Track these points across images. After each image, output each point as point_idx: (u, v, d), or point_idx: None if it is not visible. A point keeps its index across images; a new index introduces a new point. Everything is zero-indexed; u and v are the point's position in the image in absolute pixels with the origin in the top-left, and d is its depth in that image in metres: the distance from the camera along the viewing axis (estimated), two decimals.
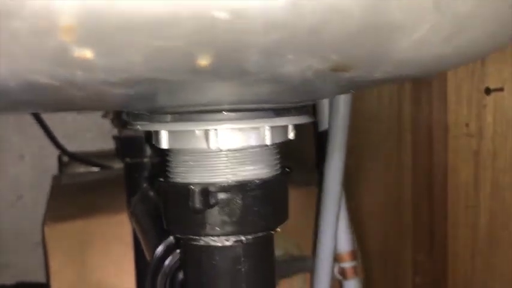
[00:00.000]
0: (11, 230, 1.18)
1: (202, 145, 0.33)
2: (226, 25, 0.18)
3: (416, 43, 0.21)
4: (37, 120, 1.14)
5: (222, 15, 0.17)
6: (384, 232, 0.95)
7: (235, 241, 0.34)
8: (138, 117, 0.33)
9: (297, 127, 0.36)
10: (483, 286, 0.83)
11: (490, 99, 0.81)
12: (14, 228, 1.18)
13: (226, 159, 0.33)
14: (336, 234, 0.68)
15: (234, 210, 0.33)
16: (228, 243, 0.34)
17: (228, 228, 0.34)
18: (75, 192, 1.01)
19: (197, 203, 0.32)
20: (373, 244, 0.94)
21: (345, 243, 0.71)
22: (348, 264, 0.71)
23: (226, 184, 0.33)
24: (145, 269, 0.76)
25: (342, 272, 0.71)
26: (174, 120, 0.32)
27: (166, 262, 0.44)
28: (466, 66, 0.82)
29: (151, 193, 0.73)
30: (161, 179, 0.36)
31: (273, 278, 0.37)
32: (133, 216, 0.73)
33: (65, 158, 1.19)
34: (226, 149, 0.33)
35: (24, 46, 0.17)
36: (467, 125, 0.86)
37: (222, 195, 0.33)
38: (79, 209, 0.91)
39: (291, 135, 0.36)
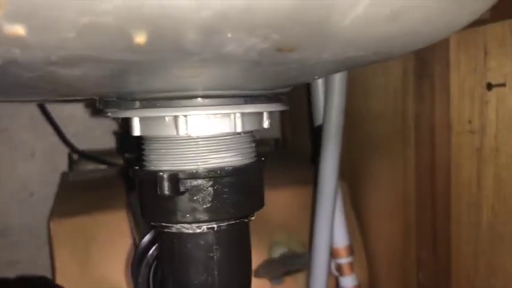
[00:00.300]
0: (22, 227, 1.20)
1: (172, 132, 0.33)
2: (155, 1, 0.18)
3: (356, 22, 0.21)
4: (47, 118, 1.17)
5: None
6: (389, 230, 0.94)
7: (207, 228, 0.34)
8: (109, 104, 0.34)
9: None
10: (486, 283, 0.82)
11: (492, 95, 0.80)
12: (24, 225, 1.20)
13: (196, 146, 0.34)
14: (331, 230, 0.68)
15: (204, 198, 0.34)
16: (199, 231, 0.34)
17: (199, 216, 0.34)
18: (81, 189, 1.03)
19: (165, 190, 0.32)
20: (378, 242, 0.93)
21: (341, 238, 0.71)
22: (344, 260, 0.71)
23: (196, 171, 0.33)
24: None
25: (339, 268, 0.71)
26: (143, 107, 0.33)
27: (150, 252, 0.44)
28: (469, 61, 0.81)
29: None
30: (136, 167, 0.37)
31: (248, 266, 0.37)
32: (130, 209, 0.74)
33: (75, 156, 1.21)
34: (196, 136, 0.34)
35: None
36: (470, 121, 0.85)
37: (192, 182, 0.33)
38: (85, 205, 0.92)
39: (266, 123, 0.36)
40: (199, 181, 0.33)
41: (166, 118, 0.33)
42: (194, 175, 0.33)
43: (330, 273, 0.70)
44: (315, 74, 0.29)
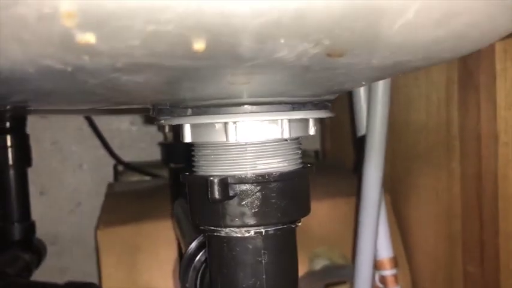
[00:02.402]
0: (70, 236, 1.24)
1: (222, 138, 0.34)
2: (214, 9, 0.19)
3: (406, 27, 0.21)
4: (95, 131, 1.21)
5: None
6: (433, 243, 0.92)
7: (255, 232, 0.35)
8: (162, 112, 0.35)
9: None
10: None
11: None
12: (72, 234, 1.24)
13: (244, 152, 0.35)
14: (375, 241, 0.68)
15: (252, 202, 0.34)
16: (247, 235, 0.35)
17: (248, 220, 0.35)
18: (127, 199, 1.06)
19: (216, 194, 0.33)
20: (422, 255, 0.91)
21: (385, 250, 0.70)
22: (389, 272, 0.70)
23: (244, 176, 0.34)
24: None
25: (383, 280, 0.70)
26: (195, 114, 0.34)
27: (197, 257, 0.46)
28: None
29: None
30: (186, 173, 0.38)
31: (294, 272, 0.38)
32: (174, 217, 0.76)
33: (120, 167, 1.24)
34: (245, 142, 0.35)
35: (33, 32, 0.19)
36: None
37: (240, 187, 0.34)
38: (130, 215, 0.95)
39: (312, 130, 0.37)
40: (248, 186, 0.34)
41: (216, 125, 0.34)
42: (243, 180, 0.34)
43: (373, 285, 0.69)
44: (362, 80, 0.29)
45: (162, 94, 0.28)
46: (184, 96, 0.30)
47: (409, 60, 0.24)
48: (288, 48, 0.22)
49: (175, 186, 0.80)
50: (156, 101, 0.31)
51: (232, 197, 0.34)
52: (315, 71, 0.25)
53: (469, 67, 0.89)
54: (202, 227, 0.37)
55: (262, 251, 0.35)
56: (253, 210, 0.35)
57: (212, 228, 0.36)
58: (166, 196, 0.93)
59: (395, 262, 0.71)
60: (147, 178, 1.22)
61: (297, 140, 0.37)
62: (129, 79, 0.24)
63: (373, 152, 0.65)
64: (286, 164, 0.36)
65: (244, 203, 0.34)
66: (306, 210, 0.37)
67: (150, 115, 0.37)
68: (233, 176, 0.34)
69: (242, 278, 0.36)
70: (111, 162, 1.24)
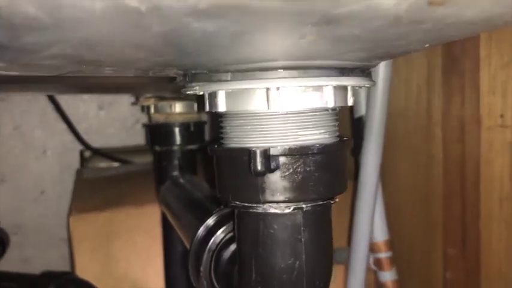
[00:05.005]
0: (34, 225, 1.17)
1: (262, 106, 0.31)
2: None
3: None
4: (60, 114, 1.14)
5: None
6: (413, 227, 0.93)
7: (295, 208, 0.33)
8: (196, 77, 0.32)
9: None
10: None
11: None
12: (36, 223, 1.18)
13: (286, 121, 0.32)
14: (371, 224, 0.67)
15: (295, 175, 0.32)
16: (288, 211, 0.32)
17: (289, 195, 0.32)
18: (100, 186, 1.01)
19: (258, 166, 0.30)
20: (401, 239, 0.91)
21: (380, 232, 0.69)
22: (384, 255, 0.69)
23: (288, 147, 0.32)
24: (175, 260, 0.75)
25: (378, 263, 0.69)
26: (235, 79, 0.31)
27: (212, 239, 0.43)
28: (501, 55, 0.80)
29: (182, 180, 0.72)
30: (215, 146, 0.35)
31: (331, 251, 0.35)
32: (163, 203, 0.72)
33: (87, 153, 1.18)
34: (286, 111, 0.32)
35: None
36: (501, 115, 0.84)
37: (282, 159, 0.32)
38: (104, 201, 0.90)
39: (351, 101, 0.34)
40: (290, 158, 0.32)
41: (257, 91, 0.31)
42: (285, 152, 0.31)
43: (368, 267, 0.68)
44: (433, 40, 0.27)
45: (216, 51, 0.25)
46: (233, 57, 0.27)
47: (504, 14, 0.22)
48: None
49: (160, 169, 0.76)
50: (198, 62, 0.28)
51: (274, 169, 0.31)
52: (403, 24, 0.23)
53: (454, 53, 0.89)
54: (233, 203, 0.34)
55: (302, 228, 0.33)
56: (294, 184, 0.32)
57: (247, 204, 0.33)
58: (146, 182, 0.89)
59: (390, 245, 0.71)
60: (116, 164, 1.17)
61: (336, 111, 0.35)
62: (198, 27, 0.21)
63: (373, 136, 0.64)
64: (327, 136, 0.33)
65: (285, 176, 0.32)
66: (344, 186, 0.35)
67: (177, 83, 0.34)
68: (275, 148, 0.31)
69: (280, 258, 0.33)
70: (78, 147, 1.18)
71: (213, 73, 0.31)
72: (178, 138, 0.73)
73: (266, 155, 0.31)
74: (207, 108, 0.34)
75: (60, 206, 1.17)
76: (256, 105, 0.32)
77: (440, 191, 0.96)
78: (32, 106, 1.16)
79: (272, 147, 0.31)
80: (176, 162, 0.75)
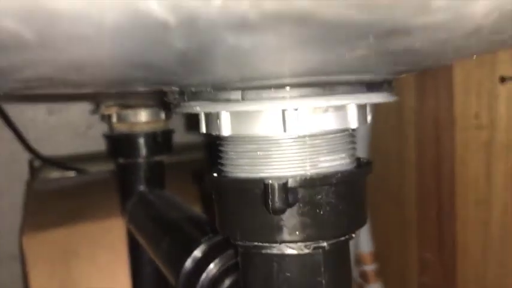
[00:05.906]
0: None
1: (277, 129, 0.26)
2: None
3: None
4: (6, 121, 1.05)
5: None
6: (386, 231, 0.90)
7: (315, 248, 0.28)
8: (196, 96, 0.26)
9: None
10: (496, 283, 0.80)
11: (502, 89, 0.78)
12: None
13: (304, 146, 0.27)
14: (357, 235, 0.63)
15: (316, 210, 0.27)
16: (307, 251, 0.28)
17: (309, 232, 0.27)
18: (54, 198, 0.93)
19: (278, 202, 0.25)
20: (375, 244, 0.89)
21: (366, 243, 0.66)
22: (369, 267, 0.66)
23: (308, 177, 0.27)
24: (147, 282, 0.69)
25: (363, 275, 0.66)
26: (244, 99, 0.25)
27: (203, 274, 0.37)
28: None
29: (152, 197, 0.66)
30: (214, 174, 0.29)
31: None
32: (132, 223, 0.65)
33: (37, 163, 1.09)
34: (304, 134, 0.27)
35: None
36: (476, 116, 0.83)
37: (302, 192, 0.27)
38: (60, 216, 0.83)
39: (369, 117, 0.30)
40: (311, 190, 0.27)
41: (272, 112, 0.26)
42: (305, 182, 0.26)
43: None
44: (492, 49, 0.23)
45: (238, 68, 0.20)
46: (251, 74, 0.22)
47: None
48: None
49: (125, 183, 0.69)
50: (208, 80, 0.23)
51: (293, 204, 0.26)
52: (479, 35, 0.18)
53: None
54: (240, 243, 0.29)
55: (322, 269, 0.28)
56: (315, 220, 0.27)
57: (259, 244, 0.28)
58: (106, 194, 0.82)
59: (375, 257, 0.67)
60: (71, 174, 1.09)
61: (354, 131, 0.30)
62: (233, 43, 0.15)
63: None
64: (348, 161, 0.29)
65: (305, 211, 0.27)
66: (365, 218, 0.30)
67: (168, 100, 0.28)
68: (294, 177, 0.26)
69: None
70: (26, 157, 1.09)
71: (218, 91, 0.25)
72: (144, 150, 0.67)
73: (285, 188, 0.26)
74: (203, 129, 0.29)
75: (8, 220, 1.08)
76: (269, 128, 0.26)
77: (413, 193, 0.94)
78: None
79: (290, 177, 0.26)
80: (142, 175, 0.68)
